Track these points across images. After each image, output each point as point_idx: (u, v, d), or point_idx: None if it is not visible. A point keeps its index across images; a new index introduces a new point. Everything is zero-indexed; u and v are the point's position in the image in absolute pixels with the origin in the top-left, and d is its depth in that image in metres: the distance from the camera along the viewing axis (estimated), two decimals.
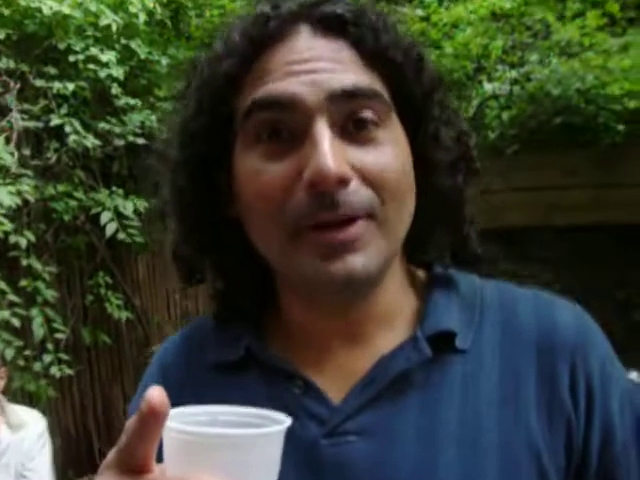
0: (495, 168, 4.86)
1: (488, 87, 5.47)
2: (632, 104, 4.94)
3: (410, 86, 0.73)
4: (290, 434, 0.58)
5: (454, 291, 0.78)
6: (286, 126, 0.68)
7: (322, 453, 0.71)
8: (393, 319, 0.76)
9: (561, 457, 0.71)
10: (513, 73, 5.49)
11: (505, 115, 5.48)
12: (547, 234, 5.40)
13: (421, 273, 0.82)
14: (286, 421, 0.58)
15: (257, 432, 0.55)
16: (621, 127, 5.01)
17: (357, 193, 0.66)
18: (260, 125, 0.69)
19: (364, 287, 0.71)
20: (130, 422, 0.52)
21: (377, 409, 0.71)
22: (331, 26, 0.71)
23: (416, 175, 0.73)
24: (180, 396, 0.78)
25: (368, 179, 0.67)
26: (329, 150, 0.64)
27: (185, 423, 0.55)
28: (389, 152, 0.69)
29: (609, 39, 5.06)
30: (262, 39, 0.72)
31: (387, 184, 0.68)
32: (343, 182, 0.65)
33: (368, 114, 0.68)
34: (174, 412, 0.56)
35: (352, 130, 0.68)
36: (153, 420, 0.50)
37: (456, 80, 5.17)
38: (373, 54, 0.71)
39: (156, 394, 0.51)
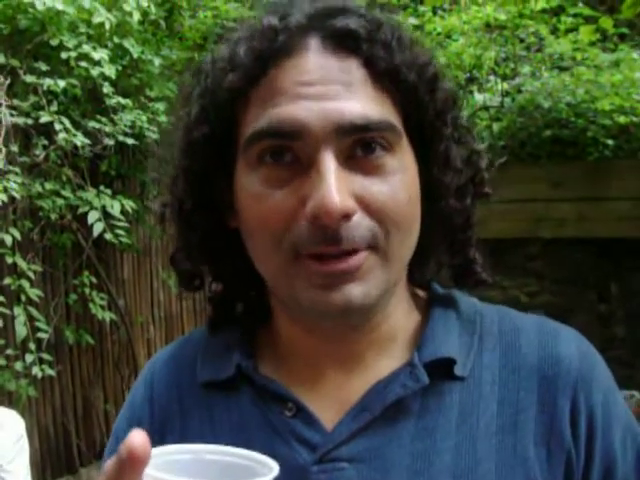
0: None
1: (479, 98, 5.50)
2: (621, 119, 4.98)
3: (423, 107, 0.71)
4: (279, 459, 0.56)
5: (454, 315, 0.76)
6: (291, 151, 0.67)
7: (315, 478, 0.69)
8: (393, 344, 0.75)
9: None
10: (505, 85, 5.51)
11: (495, 126, 5.51)
12: (533, 246, 5.43)
13: (421, 293, 0.81)
14: (273, 469, 0.55)
15: None
16: (610, 142, 5.05)
17: (360, 226, 0.65)
18: (264, 149, 0.68)
19: (363, 316, 0.70)
20: (108, 465, 0.48)
21: (370, 436, 0.69)
22: (343, 42, 0.68)
23: (423, 196, 0.72)
24: (167, 415, 0.79)
25: (372, 210, 0.66)
26: (334, 184, 0.63)
27: (167, 463, 0.53)
28: (396, 182, 0.67)
29: (601, 54, 5.11)
30: (270, 54, 0.69)
31: (392, 215, 0.66)
32: (346, 217, 0.64)
33: (377, 142, 0.67)
34: (156, 451, 0.53)
35: (360, 155, 0.67)
36: (131, 467, 0.47)
37: None
38: (385, 74, 0.68)
39: (137, 439, 0.47)
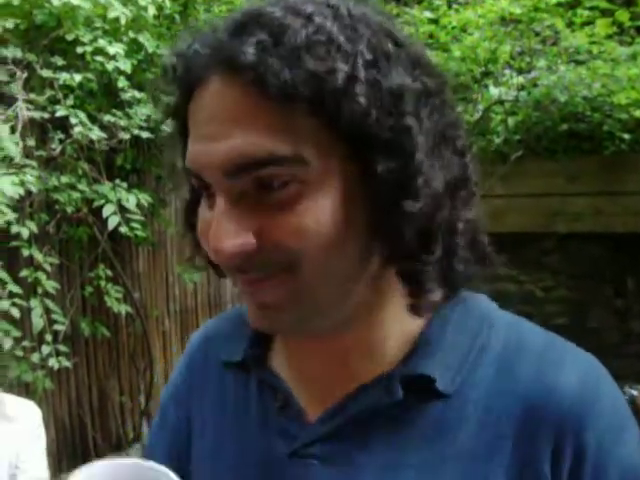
0: (498, 173, 4.86)
1: (494, 92, 5.47)
2: (638, 113, 4.94)
3: (344, 114, 0.59)
4: (260, 447, 0.65)
5: (455, 326, 0.71)
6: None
7: (286, 471, 0.71)
8: (382, 348, 0.71)
9: None
10: (520, 79, 5.48)
11: (510, 120, 5.48)
12: (548, 240, 5.41)
13: (438, 297, 0.72)
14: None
15: None
16: (626, 136, 5.02)
17: (263, 259, 0.62)
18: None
19: (314, 331, 0.70)
20: None
21: (343, 439, 0.69)
22: (237, 72, 0.60)
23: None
24: (193, 386, 0.86)
25: (274, 244, 0.61)
26: (222, 227, 0.61)
27: None
28: (302, 212, 0.60)
29: (617, 48, 5.06)
30: (185, 81, 0.66)
31: (297, 247, 0.61)
32: (240, 256, 0.61)
33: (273, 178, 0.60)
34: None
35: (255, 192, 0.62)
36: None
37: (463, 84, 5.16)
38: (279, 95, 0.58)
39: None
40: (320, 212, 0.61)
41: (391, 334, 0.71)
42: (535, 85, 5.46)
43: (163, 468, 0.65)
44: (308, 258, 0.61)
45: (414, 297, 0.67)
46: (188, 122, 0.66)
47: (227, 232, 0.61)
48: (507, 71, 5.46)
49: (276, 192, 0.61)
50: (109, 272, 4.16)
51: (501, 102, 5.52)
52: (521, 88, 5.48)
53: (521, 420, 0.65)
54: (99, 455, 4.53)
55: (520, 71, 5.45)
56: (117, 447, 4.68)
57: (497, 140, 5.48)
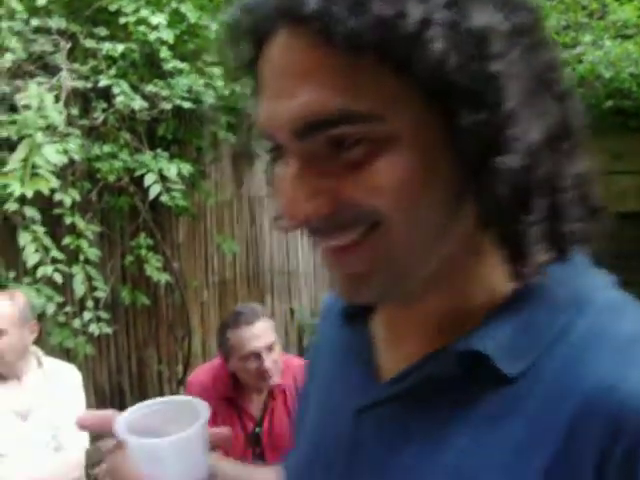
0: None
1: None
2: None
3: (418, 62, 0.54)
4: (341, 401, 0.66)
5: (540, 300, 0.63)
6: None
7: (352, 426, 0.71)
8: (461, 317, 0.65)
9: None
10: (565, 54, 5.39)
11: None
12: None
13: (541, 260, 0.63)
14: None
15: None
16: None
17: (342, 221, 0.59)
18: None
19: (402, 297, 0.66)
20: None
21: (401, 405, 0.67)
22: (303, 22, 0.56)
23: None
24: (319, 331, 0.89)
25: (351, 203, 0.58)
26: (292, 194, 0.58)
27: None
28: (378, 169, 0.57)
29: None
30: (252, 36, 0.62)
31: (375, 205, 0.57)
32: (315, 220, 0.59)
33: (345, 138, 0.57)
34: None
35: (329, 153, 0.58)
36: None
37: None
38: (349, 46, 0.54)
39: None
40: (397, 169, 0.56)
41: (477, 301, 0.65)
42: (580, 61, 5.37)
43: (197, 400, 0.81)
44: (389, 217, 0.58)
45: (513, 261, 0.61)
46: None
47: (300, 196, 0.58)
48: None
49: (350, 151, 0.57)
50: (150, 241, 4.21)
51: None
52: (566, 64, 5.39)
53: (577, 415, 0.56)
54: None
55: (565, 46, 5.36)
56: None
57: None
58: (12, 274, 3.59)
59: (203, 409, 0.81)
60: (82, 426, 0.90)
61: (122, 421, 0.81)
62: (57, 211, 3.64)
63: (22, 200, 3.23)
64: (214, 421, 2.62)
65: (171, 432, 0.78)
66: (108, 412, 0.87)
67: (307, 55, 0.56)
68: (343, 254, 0.61)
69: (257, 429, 2.63)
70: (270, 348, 2.53)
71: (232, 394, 2.62)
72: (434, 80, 0.54)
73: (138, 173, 3.82)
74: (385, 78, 0.55)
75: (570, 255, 0.63)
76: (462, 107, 0.55)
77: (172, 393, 4.85)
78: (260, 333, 2.53)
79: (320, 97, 0.55)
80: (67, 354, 3.68)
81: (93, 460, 3.87)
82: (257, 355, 2.50)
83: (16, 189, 3.02)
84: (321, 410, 0.80)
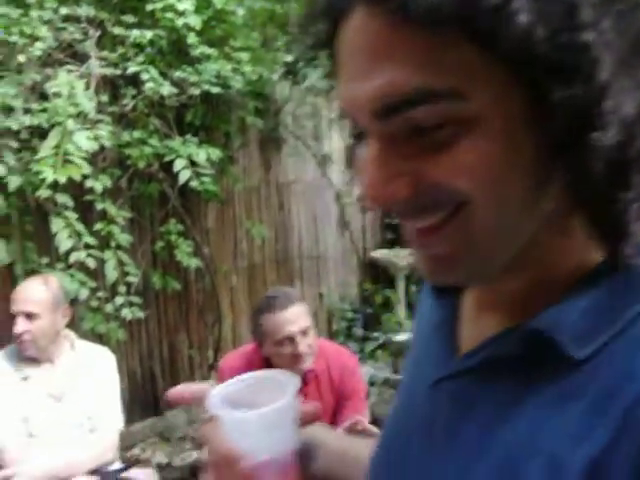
0: None
1: None
2: None
3: (502, 36, 0.51)
4: (421, 374, 0.69)
5: (606, 290, 0.60)
6: None
7: (429, 398, 0.71)
8: (541, 297, 0.63)
9: None
10: None
11: None
12: None
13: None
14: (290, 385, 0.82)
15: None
16: None
17: (425, 203, 0.57)
18: None
19: (488, 278, 0.64)
20: None
21: (466, 382, 0.66)
22: (382, 1, 0.53)
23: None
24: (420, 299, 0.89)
25: (433, 185, 0.57)
26: (372, 175, 0.57)
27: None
28: (462, 151, 0.55)
29: None
30: (328, 15, 0.61)
31: (458, 186, 0.56)
32: (396, 202, 0.58)
33: (427, 119, 0.55)
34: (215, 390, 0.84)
35: (409, 135, 0.57)
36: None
37: None
38: (428, 22, 0.51)
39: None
40: (481, 150, 0.54)
41: (560, 280, 0.62)
42: None
43: (287, 374, 0.85)
44: (473, 199, 0.56)
45: (611, 243, 0.58)
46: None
47: (380, 178, 0.57)
48: None
49: (432, 133, 0.55)
50: (180, 227, 4.24)
51: None
52: None
53: (632, 406, 0.52)
54: (170, 407, 4.66)
55: None
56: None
57: None
58: (45, 260, 3.64)
59: (292, 383, 0.82)
60: (176, 400, 0.92)
61: (215, 394, 0.83)
62: (88, 198, 3.68)
63: (54, 187, 3.27)
64: None
65: (261, 405, 0.80)
66: (203, 386, 0.89)
67: (384, 34, 0.54)
68: (427, 236, 0.59)
69: None
70: (305, 332, 2.53)
71: None
72: (520, 54, 0.51)
73: (168, 159, 3.85)
74: (466, 54, 0.53)
75: None
76: (552, 81, 0.52)
77: (204, 378, 4.89)
78: (294, 318, 2.53)
79: (398, 77, 0.54)
80: (100, 339, 3.73)
81: (127, 442, 3.94)
82: (291, 339, 2.50)
83: (49, 175, 3.05)
84: (409, 383, 0.81)
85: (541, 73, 0.52)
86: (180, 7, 3.84)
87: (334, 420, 2.65)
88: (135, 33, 3.82)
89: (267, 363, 2.60)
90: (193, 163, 3.85)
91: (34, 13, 3.57)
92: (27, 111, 3.38)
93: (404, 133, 0.56)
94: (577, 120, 0.53)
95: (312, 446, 0.85)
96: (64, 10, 3.74)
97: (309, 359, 2.55)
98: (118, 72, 3.80)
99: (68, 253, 3.38)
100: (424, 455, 0.69)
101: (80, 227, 3.39)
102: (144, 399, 4.55)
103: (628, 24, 0.54)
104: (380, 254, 6.04)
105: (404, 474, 0.71)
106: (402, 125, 0.56)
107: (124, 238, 3.75)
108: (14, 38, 3.39)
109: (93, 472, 2.82)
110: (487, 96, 0.53)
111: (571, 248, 0.62)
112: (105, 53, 3.86)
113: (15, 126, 3.30)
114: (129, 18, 3.94)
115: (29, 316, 2.77)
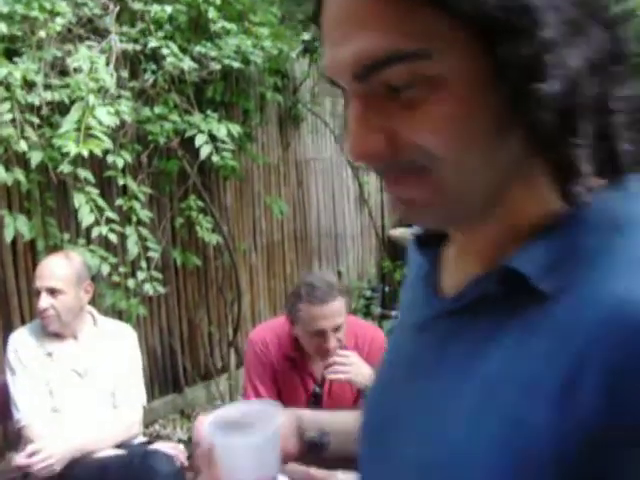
0: None
1: None
2: None
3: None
4: (407, 320, 0.77)
5: (571, 229, 0.64)
6: None
7: (414, 340, 0.78)
8: (513, 239, 0.67)
9: None
10: (616, 8, 5.25)
11: None
12: None
13: (593, 184, 0.64)
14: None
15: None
16: None
17: (399, 159, 0.63)
18: None
19: (460, 224, 0.72)
20: None
21: (450, 321, 0.72)
22: None
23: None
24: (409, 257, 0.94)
25: (408, 144, 0.62)
26: (354, 131, 0.64)
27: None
28: (433, 109, 0.60)
29: None
30: None
31: (432, 145, 0.61)
32: (373, 158, 0.64)
33: (399, 78, 0.60)
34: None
35: (386, 93, 0.62)
36: None
37: None
38: None
39: None
40: (448, 106, 0.60)
41: (528, 223, 0.67)
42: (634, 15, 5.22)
43: (271, 402, 1.00)
44: (442, 155, 0.61)
45: (563, 183, 0.63)
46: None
47: (360, 133, 0.63)
48: None
49: (404, 92, 0.61)
50: (200, 203, 4.24)
51: None
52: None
53: (595, 330, 0.56)
54: (188, 383, 4.69)
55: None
56: (205, 376, 4.82)
57: None
58: (67, 236, 3.65)
59: (277, 415, 0.96)
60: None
61: (211, 422, 0.96)
62: (109, 173, 3.67)
63: (75, 162, 3.27)
64: (276, 378, 2.63)
65: (249, 433, 0.94)
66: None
67: (358, 3, 0.60)
68: (401, 182, 0.65)
69: (317, 389, 2.63)
70: (337, 329, 2.50)
71: (294, 354, 2.62)
72: (473, 16, 0.57)
73: (189, 134, 3.83)
74: (430, 18, 0.58)
75: (624, 180, 0.66)
76: (502, 41, 0.58)
77: (222, 355, 4.92)
78: (331, 314, 2.47)
79: (372, 41, 0.59)
80: (120, 316, 3.74)
81: (148, 419, 3.96)
82: (322, 333, 2.49)
83: (72, 149, 3.04)
84: (398, 332, 0.88)
85: (494, 35, 0.57)
86: None
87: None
88: (155, 8, 3.79)
89: (296, 341, 2.59)
90: (213, 139, 3.83)
91: None
92: (48, 87, 3.37)
93: (381, 93, 0.62)
94: (525, 74, 0.58)
95: (323, 434, 1.03)
96: None
97: (335, 353, 2.52)
98: (138, 47, 3.78)
99: (89, 229, 3.37)
100: (410, 383, 0.75)
101: (102, 202, 3.38)
102: (164, 376, 4.58)
103: None
104: (399, 232, 6.02)
105: (391, 401, 0.78)
106: (378, 85, 0.62)
107: (145, 214, 3.74)
108: (34, 13, 3.37)
109: (119, 446, 2.83)
110: (451, 57, 0.59)
111: (536, 196, 0.67)
112: (125, 29, 3.84)
113: (36, 102, 3.29)
114: None
115: (52, 292, 2.77)
